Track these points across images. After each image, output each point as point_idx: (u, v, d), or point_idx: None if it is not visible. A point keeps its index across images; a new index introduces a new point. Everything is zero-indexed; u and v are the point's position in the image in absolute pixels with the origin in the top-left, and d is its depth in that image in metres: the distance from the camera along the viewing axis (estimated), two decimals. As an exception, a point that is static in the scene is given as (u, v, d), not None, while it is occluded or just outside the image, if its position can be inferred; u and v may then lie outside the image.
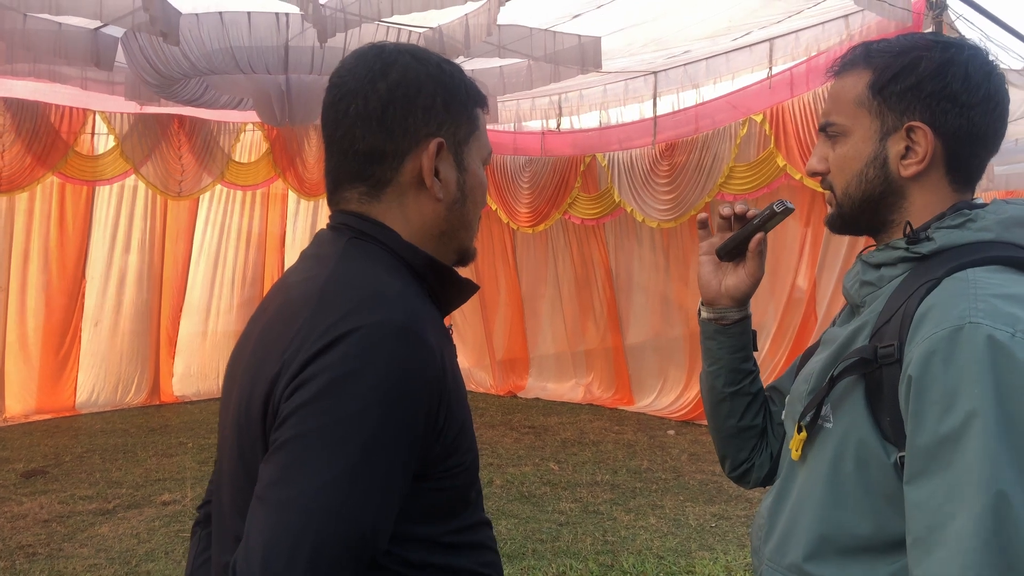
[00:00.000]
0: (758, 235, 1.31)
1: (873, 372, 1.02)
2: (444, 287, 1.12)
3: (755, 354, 1.44)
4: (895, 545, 1.00)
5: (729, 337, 1.38)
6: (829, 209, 1.19)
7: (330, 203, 1.13)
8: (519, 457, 6.08)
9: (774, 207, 1.29)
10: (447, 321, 1.17)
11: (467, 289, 1.15)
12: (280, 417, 0.94)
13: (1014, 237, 1.04)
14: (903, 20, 4.57)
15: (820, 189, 6.03)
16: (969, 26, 5.03)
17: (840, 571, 1.04)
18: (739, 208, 1.33)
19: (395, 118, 1.05)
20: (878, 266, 1.12)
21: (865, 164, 1.12)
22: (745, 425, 1.39)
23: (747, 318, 1.39)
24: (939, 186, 1.11)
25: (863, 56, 1.14)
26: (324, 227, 1.13)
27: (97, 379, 7.79)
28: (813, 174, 1.19)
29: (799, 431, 1.09)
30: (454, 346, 1.14)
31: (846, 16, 5.49)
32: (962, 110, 1.07)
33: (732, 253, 1.33)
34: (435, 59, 1.10)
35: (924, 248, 1.06)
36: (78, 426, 7.15)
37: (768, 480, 1.41)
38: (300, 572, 0.87)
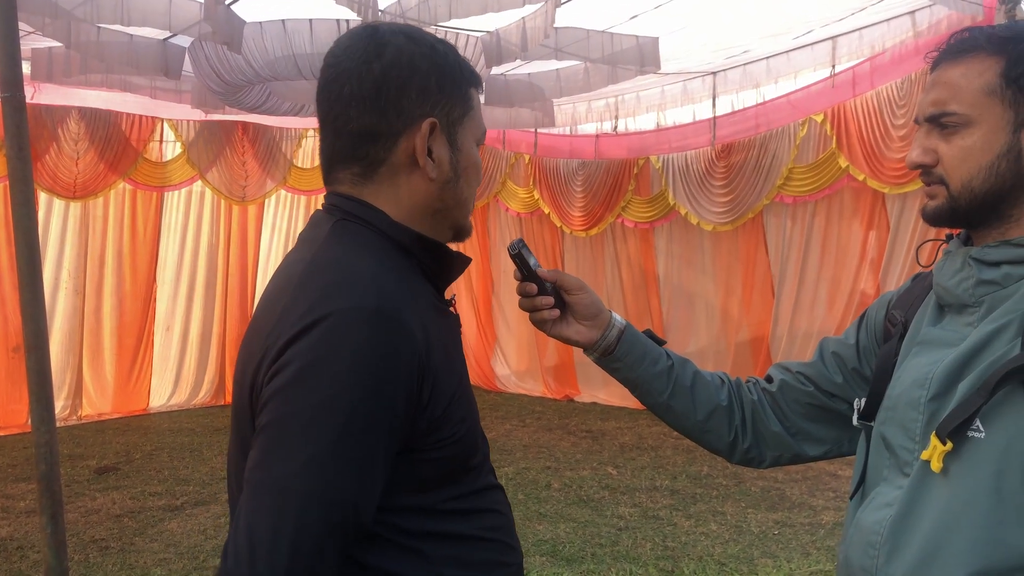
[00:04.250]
0: (522, 286, 1.34)
1: None
2: (437, 262, 1.14)
3: (666, 345, 1.44)
4: None
5: (624, 357, 1.38)
6: (932, 202, 1.12)
7: (325, 183, 1.15)
8: (577, 461, 6.06)
9: (510, 252, 1.32)
10: (448, 293, 1.20)
11: (459, 262, 1.17)
12: (261, 402, 0.98)
13: None
14: (974, 15, 4.43)
15: (881, 189, 5.92)
16: (1044, 19, 4.85)
17: None
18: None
19: (389, 98, 1.06)
20: (997, 264, 1.06)
21: (996, 156, 1.06)
22: (707, 412, 1.38)
23: (624, 328, 1.38)
24: None
25: (986, 42, 1.06)
26: (319, 208, 1.16)
27: (168, 382, 8.01)
28: (916, 167, 1.12)
29: (943, 442, 1.01)
30: (453, 318, 1.17)
31: (912, 13, 5.35)
32: None
33: (535, 307, 1.36)
34: (429, 40, 1.11)
35: None
36: (147, 425, 7.37)
37: (783, 458, 1.40)
38: (284, 551, 0.91)
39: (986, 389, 0.98)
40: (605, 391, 8.11)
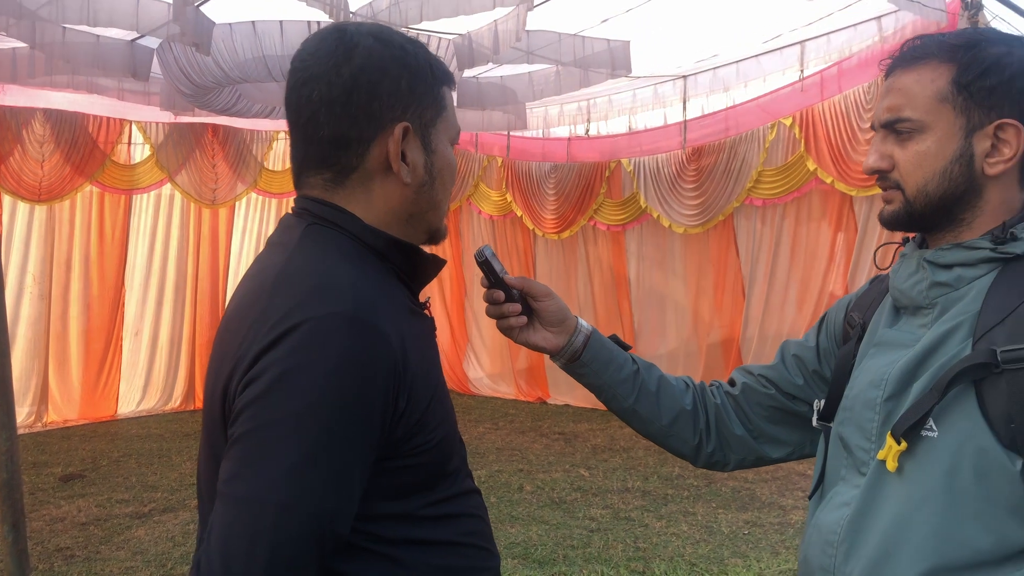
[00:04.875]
0: (489, 294, 1.36)
1: (986, 376, 0.98)
2: (411, 265, 1.12)
3: (632, 351, 1.45)
4: (1014, 556, 0.97)
5: (590, 362, 1.39)
6: (888, 207, 1.14)
7: (295, 187, 1.12)
8: (549, 463, 6.07)
9: (476, 259, 1.33)
10: (422, 296, 1.17)
11: (434, 264, 1.15)
12: (235, 413, 0.95)
13: None
14: (939, 21, 4.50)
15: (849, 192, 6.01)
16: (1007, 27, 4.94)
17: None
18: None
19: (360, 104, 1.03)
20: (950, 266, 1.08)
21: (949, 162, 1.08)
22: (671, 417, 1.39)
23: (590, 334, 1.40)
24: (1011, 185, 1.09)
25: (938, 49, 1.09)
26: (289, 212, 1.13)
27: (137, 388, 7.89)
28: (872, 172, 1.14)
29: (898, 442, 1.02)
30: (428, 321, 1.15)
31: (879, 18, 5.44)
32: None
33: (503, 314, 1.37)
34: (399, 40, 1.08)
35: (1018, 248, 1.05)
36: (115, 431, 7.26)
37: (746, 461, 1.41)
38: (260, 566, 0.88)
39: (938, 389, 1.00)
40: (575, 394, 8.12)
